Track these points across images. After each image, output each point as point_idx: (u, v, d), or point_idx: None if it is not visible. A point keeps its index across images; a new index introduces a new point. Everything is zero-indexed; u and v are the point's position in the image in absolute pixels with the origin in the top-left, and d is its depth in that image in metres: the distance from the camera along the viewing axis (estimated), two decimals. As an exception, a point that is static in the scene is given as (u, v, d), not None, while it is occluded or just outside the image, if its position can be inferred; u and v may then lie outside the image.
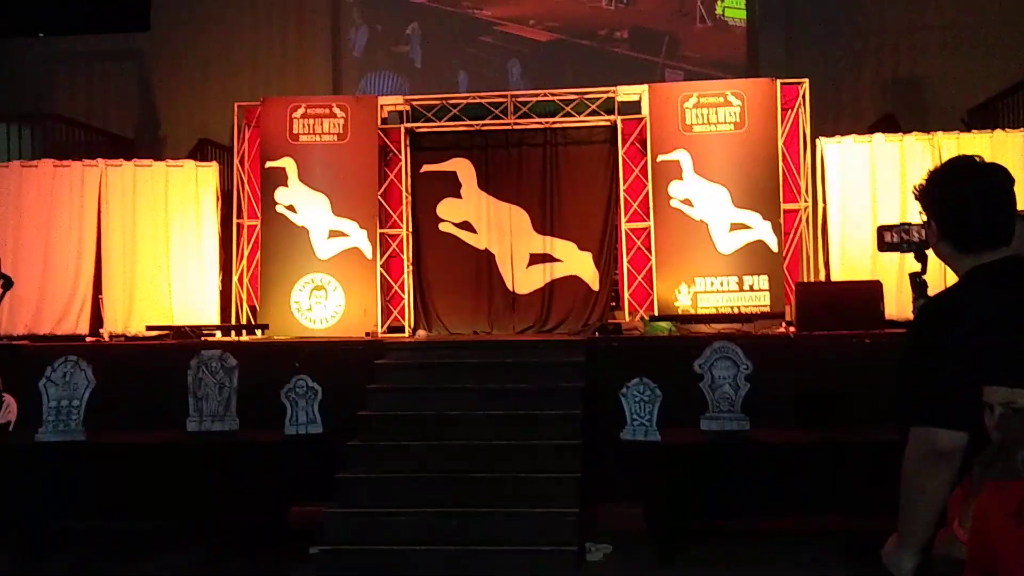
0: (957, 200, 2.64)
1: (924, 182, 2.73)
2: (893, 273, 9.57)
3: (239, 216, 11.03)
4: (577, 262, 10.84)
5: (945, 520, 2.43)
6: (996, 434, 2.29)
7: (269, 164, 10.71)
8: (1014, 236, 2.69)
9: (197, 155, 11.82)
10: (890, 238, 3.60)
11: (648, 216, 10.41)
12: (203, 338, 9.77)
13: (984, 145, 9.78)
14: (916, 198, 2.75)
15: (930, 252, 3.11)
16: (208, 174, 10.97)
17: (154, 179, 10.80)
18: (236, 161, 11.10)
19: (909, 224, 3.64)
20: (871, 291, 8.92)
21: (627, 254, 10.57)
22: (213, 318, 10.68)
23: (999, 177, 2.65)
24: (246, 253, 10.96)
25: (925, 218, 2.76)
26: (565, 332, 10.37)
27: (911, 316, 9.15)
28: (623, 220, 10.58)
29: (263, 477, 6.99)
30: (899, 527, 2.56)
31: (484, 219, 10.92)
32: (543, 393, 8.00)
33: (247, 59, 14.05)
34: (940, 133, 10.21)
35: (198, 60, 14.12)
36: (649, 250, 10.40)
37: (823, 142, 10.38)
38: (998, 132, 10.17)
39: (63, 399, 7.32)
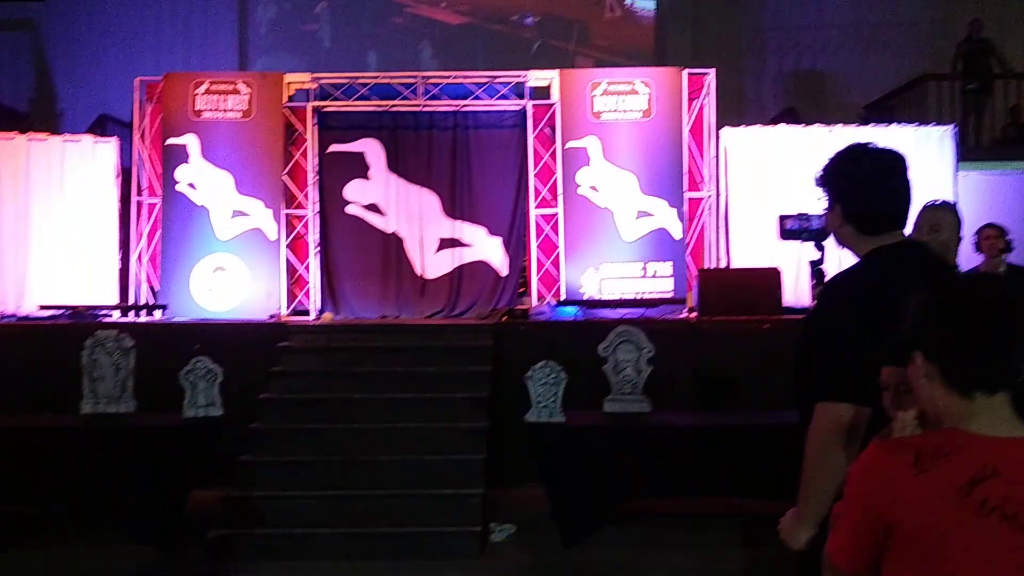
0: (860, 181, 2.70)
1: (827, 165, 2.78)
2: (791, 261, 9.83)
3: (139, 194, 10.73)
4: (486, 247, 10.85)
5: (842, 494, 2.51)
6: (892, 414, 2.36)
7: (171, 141, 10.43)
8: (907, 220, 2.79)
9: (96, 131, 11.44)
10: (791, 226, 3.70)
11: (557, 202, 10.48)
12: (99, 318, 9.48)
13: (880, 139, 10.04)
14: (818, 182, 2.80)
15: (828, 241, 3.18)
16: (107, 150, 10.64)
17: (49, 154, 10.43)
18: (137, 137, 10.78)
19: (809, 213, 3.73)
20: (770, 278, 9.16)
21: (536, 240, 10.63)
22: (111, 298, 10.38)
23: (897, 161, 2.73)
24: (146, 232, 10.68)
25: (826, 204, 2.82)
26: (473, 317, 10.38)
27: (808, 303, 9.45)
28: (532, 206, 10.62)
29: (161, 461, 6.80)
30: (799, 500, 2.59)
31: (393, 202, 10.83)
32: (449, 377, 8.00)
33: (150, 33, 13.63)
34: (840, 126, 10.53)
35: (98, 32, 13.63)
36: (557, 236, 10.47)
37: (727, 132, 10.60)
38: (893, 126, 10.56)
39: (-52, 380, 7.01)
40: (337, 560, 6.32)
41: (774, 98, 13.55)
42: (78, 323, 9.02)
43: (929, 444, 1.87)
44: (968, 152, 11.07)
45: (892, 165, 2.73)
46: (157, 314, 10.14)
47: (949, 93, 11.82)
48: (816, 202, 2.88)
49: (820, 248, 3.48)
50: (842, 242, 2.81)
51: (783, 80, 13.93)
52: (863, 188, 2.70)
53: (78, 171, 10.46)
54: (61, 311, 9.69)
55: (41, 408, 7.70)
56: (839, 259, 4.19)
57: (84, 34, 13.67)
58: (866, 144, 2.79)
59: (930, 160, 10.17)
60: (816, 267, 3.42)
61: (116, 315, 10.00)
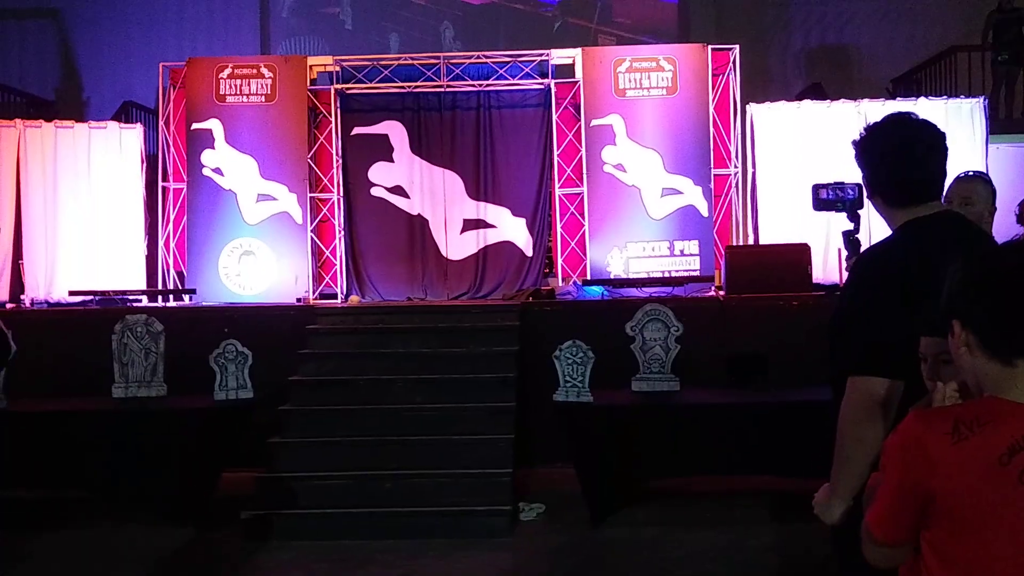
0: (885, 154, 2.66)
1: (859, 137, 2.74)
2: (820, 237, 9.75)
3: (165, 179, 10.78)
4: (511, 228, 10.83)
5: (878, 466, 2.48)
6: (930, 384, 2.33)
7: (195, 126, 10.47)
8: (943, 190, 2.73)
9: (121, 117, 11.52)
10: (825, 195, 3.63)
11: (581, 181, 10.43)
12: (129, 304, 9.56)
13: (908, 113, 9.98)
14: (855, 157, 2.76)
15: (863, 211, 3.14)
16: (132, 136, 10.70)
17: (76, 141, 10.49)
18: (161, 123, 10.83)
19: (843, 183, 3.67)
20: (799, 254, 9.08)
21: (560, 220, 10.60)
22: (139, 284, 10.45)
23: (927, 132, 2.67)
24: (172, 217, 10.74)
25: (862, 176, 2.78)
26: (499, 297, 10.37)
27: (838, 279, 9.34)
28: (556, 185, 10.58)
29: (193, 443, 6.87)
30: (832, 475, 2.57)
31: (417, 184, 10.83)
32: (477, 357, 8.02)
33: (172, 19, 13.69)
34: (866, 101, 10.40)
35: (121, 19, 13.71)
36: (582, 215, 10.43)
37: (753, 108, 10.50)
38: (921, 100, 10.41)
39: (-19, 366, 7.07)
40: (368, 539, 6.35)
41: (800, 73, 13.41)
42: (108, 308, 9.09)
43: (968, 413, 1.85)
44: (999, 124, 10.92)
45: (917, 135, 2.66)
46: (186, 299, 10.20)
47: (980, 64, 11.64)
48: (846, 174, 2.84)
49: (854, 219, 3.42)
50: (878, 212, 2.77)
51: (808, 55, 13.78)
52: (887, 161, 2.66)
53: (104, 158, 10.52)
54: (91, 297, 9.77)
55: (73, 393, 7.78)
56: (869, 231, 4.14)
57: (107, 21, 13.74)
58: (897, 115, 2.74)
59: (961, 133, 10.02)
60: (851, 237, 3.36)
61: (144, 300, 10.08)
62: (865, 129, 2.75)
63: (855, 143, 2.75)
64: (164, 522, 6.74)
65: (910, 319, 2.37)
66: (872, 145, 2.71)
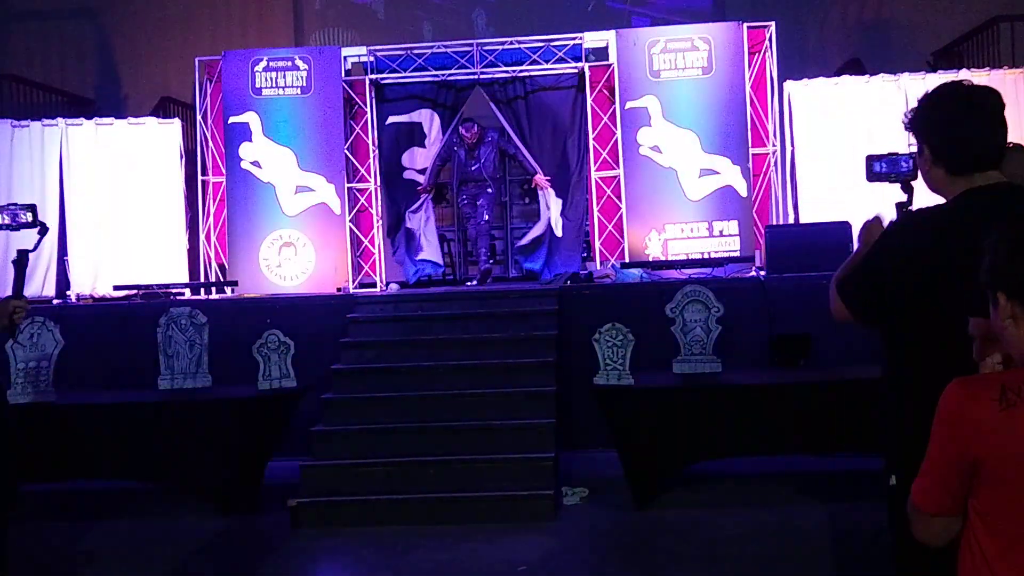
0: (950, 120, 2.64)
1: (917, 106, 2.71)
2: (861, 214, 9.59)
3: (204, 173, 10.88)
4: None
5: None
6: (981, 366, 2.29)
7: (232, 119, 10.54)
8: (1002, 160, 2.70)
9: (160, 113, 11.63)
10: (879, 167, 3.56)
11: (617, 164, 10.37)
12: (172, 297, 9.68)
13: (950, 86, 9.79)
14: (908, 125, 2.73)
15: (917, 183, 3.10)
16: (170, 131, 10.80)
17: (116, 138, 10.61)
18: (199, 117, 10.92)
19: (897, 154, 3.61)
20: (840, 232, 8.95)
21: (597, 203, 10.54)
22: (181, 277, 10.57)
23: (991, 98, 2.66)
24: (212, 210, 10.84)
25: (916, 147, 2.76)
26: (536, 282, 10.36)
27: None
28: (592, 169, 10.53)
29: (238, 433, 6.95)
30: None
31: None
32: (516, 343, 8.02)
33: (206, 13, 13.80)
34: (906, 75, 10.23)
35: (156, 16, 13.85)
36: (619, 198, 10.38)
37: (790, 85, 10.37)
38: (963, 72, 10.20)
39: (31, 361, 7.21)
40: (412, 525, 6.41)
41: (838, 49, 13.20)
42: (152, 302, 9.21)
43: (1016, 379, 1.82)
44: (1044, 95, 10.65)
45: (982, 101, 2.65)
46: (228, 291, 10.30)
47: (1023, 35, 11.38)
48: (887, 150, 2.82)
49: (908, 190, 3.36)
50: (933, 187, 2.73)
51: (847, 30, 13.56)
52: (953, 127, 2.63)
53: (144, 153, 10.63)
54: (135, 291, 9.90)
55: (120, 386, 7.91)
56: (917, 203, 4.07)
57: (143, 18, 13.90)
58: (957, 82, 2.71)
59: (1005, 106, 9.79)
60: (904, 209, 3.31)
61: (187, 293, 10.20)
62: (921, 99, 2.72)
63: (917, 108, 2.71)
64: (212, 511, 6.83)
65: (923, 287, 2.51)
66: (930, 114, 2.68)
